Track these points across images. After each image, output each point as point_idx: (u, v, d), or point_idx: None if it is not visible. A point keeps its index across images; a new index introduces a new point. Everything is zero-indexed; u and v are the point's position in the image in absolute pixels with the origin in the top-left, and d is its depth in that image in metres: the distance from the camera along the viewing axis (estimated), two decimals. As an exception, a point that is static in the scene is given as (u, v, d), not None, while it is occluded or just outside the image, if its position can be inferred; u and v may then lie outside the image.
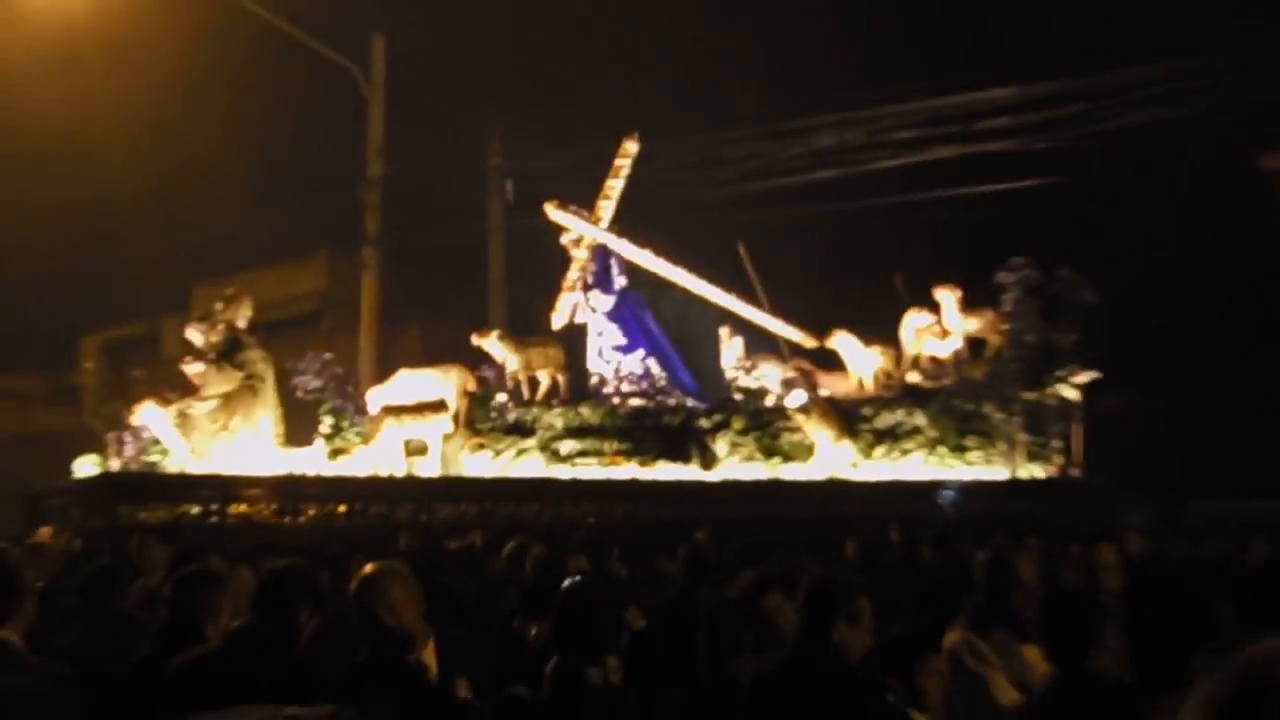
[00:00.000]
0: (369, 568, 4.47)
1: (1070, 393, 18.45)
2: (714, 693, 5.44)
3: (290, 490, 14.07)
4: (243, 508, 13.69)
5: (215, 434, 13.93)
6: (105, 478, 13.88)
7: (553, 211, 18.41)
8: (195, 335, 14.27)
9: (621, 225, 18.72)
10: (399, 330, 22.34)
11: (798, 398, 17.31)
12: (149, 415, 14.12)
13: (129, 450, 14.30)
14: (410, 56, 21.94)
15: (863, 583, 5.19)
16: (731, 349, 18.34)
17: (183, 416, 13.93)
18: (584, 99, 23.17)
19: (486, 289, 22.38)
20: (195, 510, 13.40)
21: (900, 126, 20.07)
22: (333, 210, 22.58)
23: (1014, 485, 17.76)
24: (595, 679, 4.21)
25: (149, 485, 13.74)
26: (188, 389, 14.24)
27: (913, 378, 18.68)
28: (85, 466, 14.67)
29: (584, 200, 18.58)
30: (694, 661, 6.34)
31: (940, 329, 18.73)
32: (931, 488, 17.25)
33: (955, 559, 9.46)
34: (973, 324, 18.82)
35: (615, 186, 18.54)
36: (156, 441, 14.28)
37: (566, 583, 5.55)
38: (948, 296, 18.68)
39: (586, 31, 22.93)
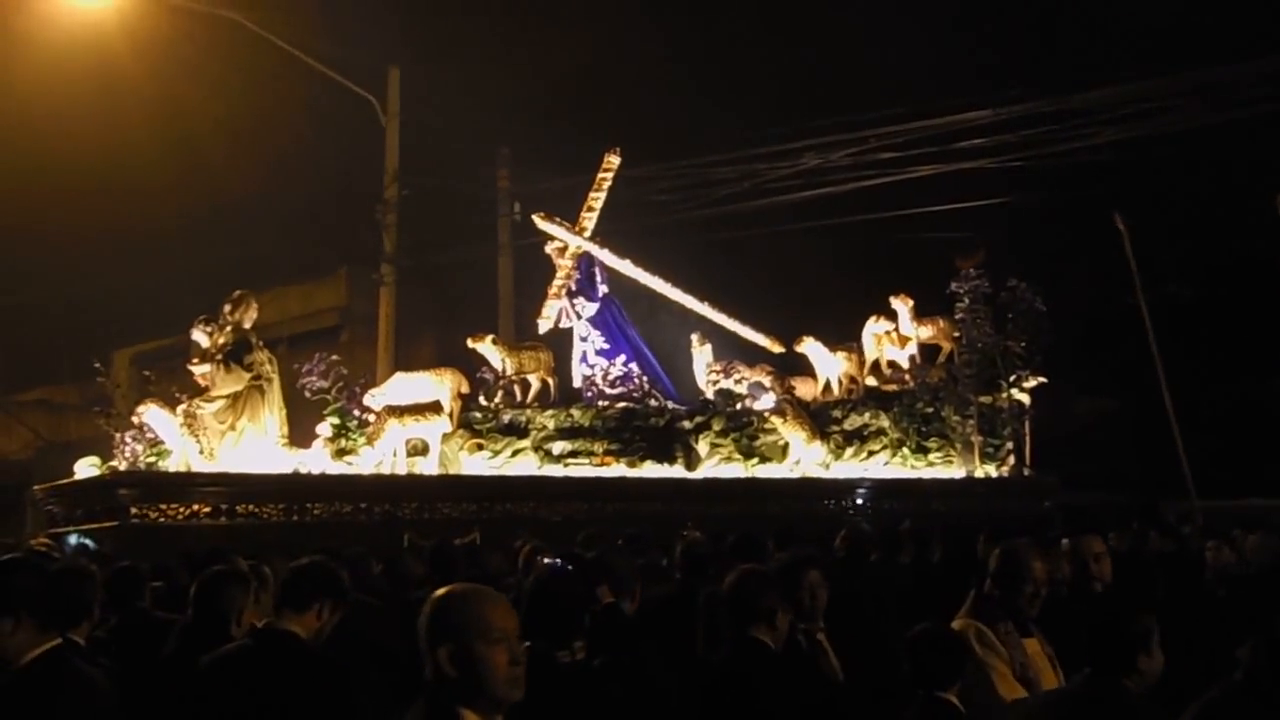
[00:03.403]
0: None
1: (1021, 396, 18.02)
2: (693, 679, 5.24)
3: (297, 490, 13.47)
4: (250, 507, 12.98)
5: (222, 434, 13.14)
6: (113, 477, 13.13)
7: (540, 222, 18.00)
8: (201, 337, 13.54)
9: (620, 243, 18.35)
10: (415, 342, 21.81)
11: (768, 401, 16.82)
12: (153, 416, 13.36)
13: (133, 450, 13.47)
14: (425, 86, 21.78)
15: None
16: (702, 354, 17.74)
17: (190, 416, 13.11)
18: (585, 126, 22.84)
19: (496, 302, 21.97)
20: (205, 510, 12.61)
21: (882, 148, 19.51)
22: (352, 231, 22.35)
23: (971, 483, 17.40)
24: (563, 659, 4.29)
25: (157, 484, 13.03)
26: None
27: (872, 382, 18.20)
28: (86, 468, 13.81)
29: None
30: (692, 649, 6.15)
31: (898, 336, 18.29)
32: (895, 486, 16.94)
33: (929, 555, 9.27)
34: (926, 331, 18.51)
35: (598, 198, 18.09)
36: (159, 442, 13.46)
37: (535, 574, 5.44)
38: (901, 305, 18.23)
39: (587, 64, 22.90)
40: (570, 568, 6.41)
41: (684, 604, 6.69)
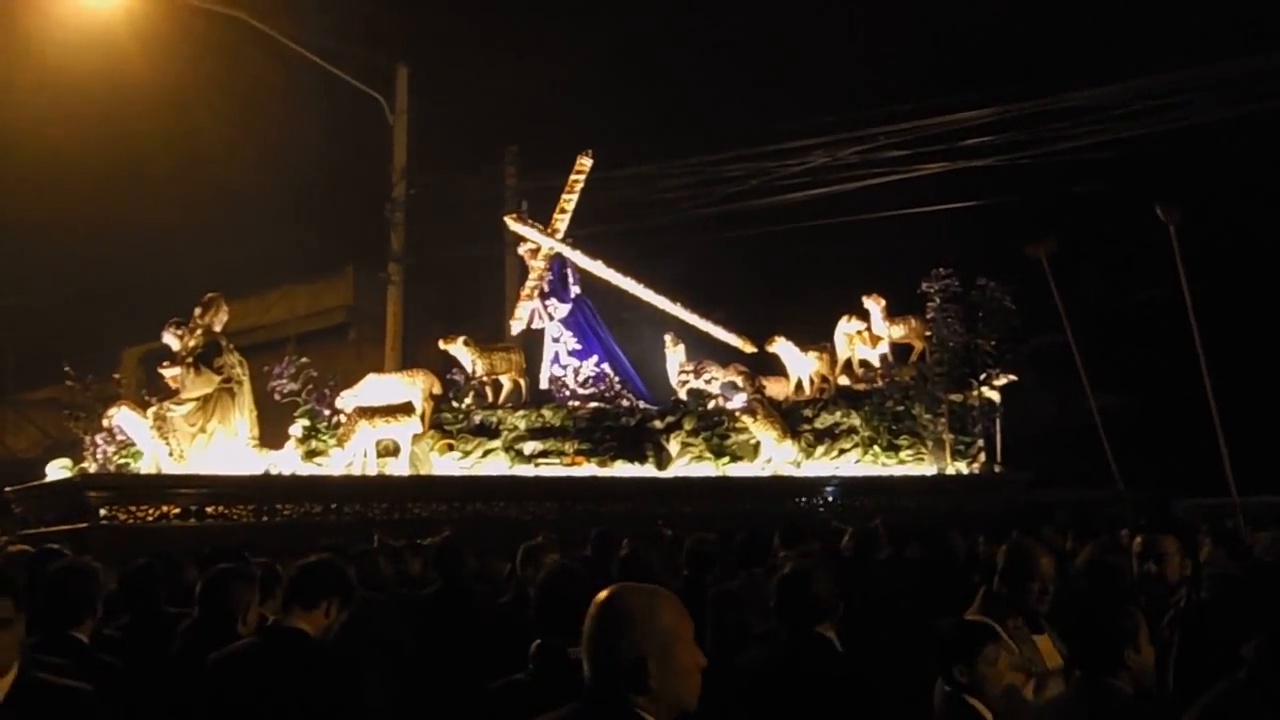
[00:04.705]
0: None
1: (992, 394, 18.36)
2: (721, 675, 5.19)
3: (267, 491, 13.64)
4: (220, 508, 13.11)
5: (193, 436, 13.23)
6: (83, 479, 13.22)
7: (512, 223, 18.27)
8: (172, 340, 13.62)
9: (626, 240, 18.88)
10: (422, 340, 22.10)
11: (739, 400, 17.07)
12: (123, 418, 13.45)
13: (104, 453, 13.54)
14: (432, 85, 22.08)
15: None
16: (675, 355, 17.98)
17: (160, 419, 13.21)
18: (592, 124, 23.18)
19: (503, 301, 22.13)
20: (175, 511, 12.74)
21: (890, 146, 19.74)
22: (359, 229, 22.89)
23: (941, 481, 17.76)
24: (575, 654, 4.00)
25: (127, 486, 13.15)
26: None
27: (844, 381, 18.49)
28: (56, 469, 13.88)
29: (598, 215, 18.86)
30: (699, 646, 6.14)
31: (870, 335, 18.59)
32: (866, 483, 17.26)
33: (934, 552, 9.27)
34: (897, 330, 18.80)
35: (570, 200, 18.34)
36: (130, 444, 13.56)
37: (545, 570, 5.46)
38: (874, 305, 18.54)
39: (594, 62, 23.28)
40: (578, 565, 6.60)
41: (690, 601, 6.90)
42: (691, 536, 8.00)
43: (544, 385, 17.57)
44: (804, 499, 16.73)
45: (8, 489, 14.46)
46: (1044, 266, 17.93)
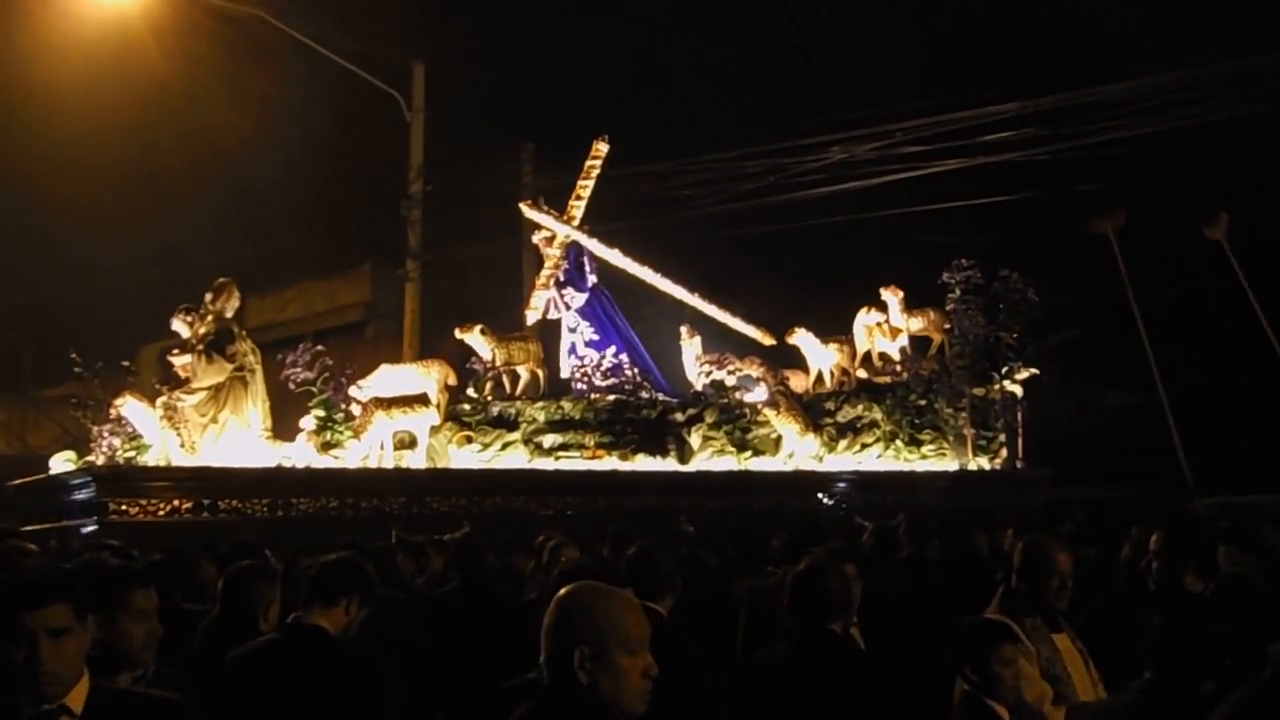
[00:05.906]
0: None
1: (1014, 388, 17.86)
2: (743, 675, 5.22)
3: (282, 484, 13.13)
4: (233, 502, 12.61)
5: (204, 427, 12.70)
6: (90, 471, 12.69)
7: (528, 210, 17.85)
8: (182, 327, 13.11)
9: (646, 239, 18.34)
10: (439, 337, 21.91)
11: (759, 393, 16.57)
12: (131, 409, 12.92)
13: (111, 445, 13.01)
14: (449, 82, 21.80)
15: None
16: (692, 346, 17.52)
17: (170, 409, 12.67)
18: (607, 121, 22.68)
19: (520, 297, 21.42)
20: (187, 505, 12.22)
21: (908, 141, 19.26)
22: (376, 226, 22.76)
23: (963, 477, 17.22)
24: None
25: (137, 479, 12.61)
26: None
27: (862, 374, 18.01)
28: (60, 462, 13.37)
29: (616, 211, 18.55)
30: (729, 646, 6.27)
31: (889, 327, 18.11)
32: (890, 479, 16.72)
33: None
34: (916, 323, 18.29)
35: (587, 186, 17.86)
36: (138, 435, 13.03)
37: (560, 570, 5.48)
38: (892, 297, 18.06)
39: (609, 56, 22.97)
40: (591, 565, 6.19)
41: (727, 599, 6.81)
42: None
43: (564, 375, 17.13)
44: (826, 494, 16.19)
45: (10, 482, 13.98)
46: (1110, 242, 17.34)
